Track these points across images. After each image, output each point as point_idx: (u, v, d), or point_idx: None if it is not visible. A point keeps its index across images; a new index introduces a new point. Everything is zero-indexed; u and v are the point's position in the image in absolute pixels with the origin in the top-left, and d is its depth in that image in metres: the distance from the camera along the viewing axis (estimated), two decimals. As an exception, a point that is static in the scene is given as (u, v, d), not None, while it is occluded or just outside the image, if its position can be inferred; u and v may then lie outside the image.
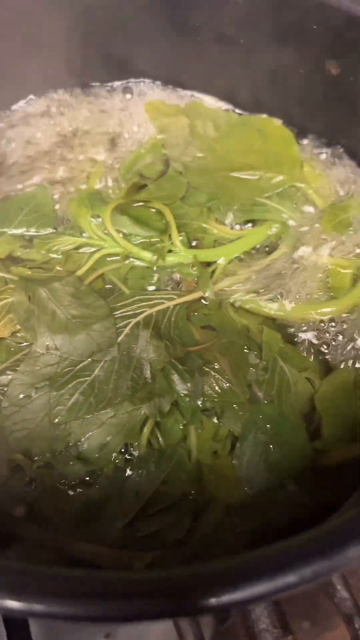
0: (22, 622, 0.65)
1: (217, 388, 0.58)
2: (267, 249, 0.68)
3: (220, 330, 0.62)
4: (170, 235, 0.66)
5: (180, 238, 0.66)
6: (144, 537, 0.52)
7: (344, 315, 0.63)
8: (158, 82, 0.81)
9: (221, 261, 0.66)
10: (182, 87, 0.81)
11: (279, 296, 0.64)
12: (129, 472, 0.54)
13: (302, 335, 0.63)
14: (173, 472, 0.54)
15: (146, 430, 0.56)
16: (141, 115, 0.77)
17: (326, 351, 0.63)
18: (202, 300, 0.65)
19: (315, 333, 0.63)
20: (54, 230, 0.68)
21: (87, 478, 0.54)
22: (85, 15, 0.73)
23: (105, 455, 0.55)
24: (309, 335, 0.63)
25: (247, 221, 0.70)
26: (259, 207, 0.69)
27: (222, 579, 0.31)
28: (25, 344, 0.60)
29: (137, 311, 0.61)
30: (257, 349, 0.61)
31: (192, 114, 0.75)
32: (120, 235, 0.66)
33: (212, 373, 0.59)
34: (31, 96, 0.80)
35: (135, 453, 0.55)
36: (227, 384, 0.58)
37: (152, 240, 0.66)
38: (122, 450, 0.55)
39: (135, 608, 0.31)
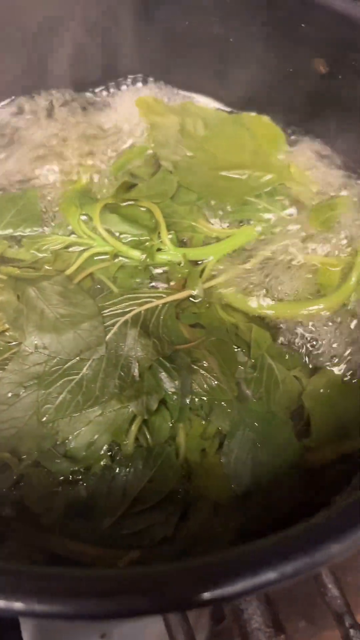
0: (12, 622, 0.65)
1: (205, 386, 0.58)
2: (256, 247, 0.68)
3: (209, 329, 0.63)
4: (159, 234, 0.66)
5: (170, 237, 0.66)
6: (131, 534, 0.52)
7: (333, 312, 0.63)
8: (149, 81, 0.81)
9: (210, 260, 0.66)
10: (172, 86, 0.81)
11: (267, 294, 0.64)
12: (116, 470, 0.54)
13: (291, 333, 0.63)
14: (161, 470, 0.54)
15: (134, 428, 0.56)
16: (132, 114, 0.77)
17: (315, 349, 0.63)
18: (191, 299, 0.65)
19: (304, 331, 0.63)
20: (42, 230, 0.68)
21: (74, 476, 0.54)
22: (77, 15, 0.73)
23: (93, 453, 0.55)
24: (297, 333, 0.63)
25: (237, 220, 0.70)
26: (248, 206, 0.69)
27: (202, 577, 0.31)
28: (14, 343, 0.60)
29: (125, 310, 0.61)
30: (245, 347, 0.61)
31: (182, 112, 0.76)
32: (110, 234, 0.66)
33: (201, 371, 0.59)
34: (21, 96, 0.80)
35: (123, 451, 0.55)
36: (216, 382, 0.58)
37: (141, 239, 0.66)
38: (110, 448, 0.55)
39: (112, 605, 0.31)
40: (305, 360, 0.62)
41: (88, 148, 0.73)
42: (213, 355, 0.60)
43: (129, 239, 0.67)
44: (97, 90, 0.81)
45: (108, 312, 0.61)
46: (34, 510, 0.53)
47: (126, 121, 0.76)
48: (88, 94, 0.81)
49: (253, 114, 0.76)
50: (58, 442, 0.55)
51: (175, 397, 0.57)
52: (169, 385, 0.57)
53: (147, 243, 0.66)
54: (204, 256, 0.67)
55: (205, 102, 0.80)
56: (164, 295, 0.63)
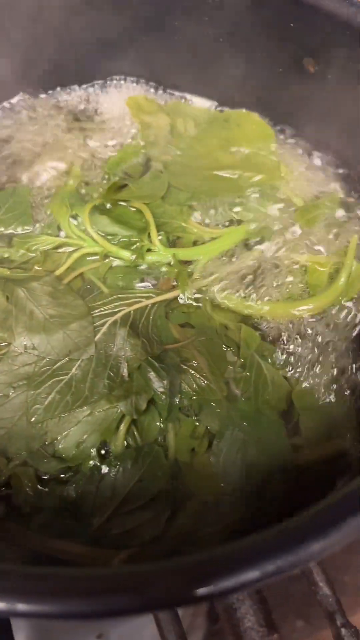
0: (2, 623, 0.65)
1: (194, 385, 0.59)
2: (245, 247, 0.68)
3: (199, 328, 0.63)
4: (149, 235, 0.66)
5: (160, 237, 0.67)
6: (121, 534, 0.52)
7: (322, 312, 0.63)
8: (140, 81, 0.81)
9: (200, 260, 0.66)
10: (163, 86, 0.81)
11: (257, 294, 0.64)
12: (105, 469, 0.54)
13: (280, 333, 0.63)
14: (150, 469, 0.54)
15: (123, 428, 0.56)
16: (123, 114, 0.77)
17: (304, 348, 0.63)
18: (181, 299, 0.65)
19: (294, 330, 0.63)
20: (32, 229, 0.68)
21: (63, 476, 0.55)
22: (67, 15, 0.73)
23: (82, 453, 0.55)
24: (287, 333, 0.63)
25: (227, 220, 0.70)
26: (238, 206, 0.69)
27: (184, 576, 0.31)
28: (3, 344, 0.60)
29: (115, 310, 0.61)
30: (235, 346, 0.61)
31: (173, 112, 0.76)
32: (100, 234, 0.66)
33: (190, 371, 0.59)
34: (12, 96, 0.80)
35: (112, 451, 0.55)
36: (205, 382, 0.59)
37: (131, 239, 0.67)
38: (99, 448, 0.56)
39: (97, 605, 0.31)
40: (295, 359, 0.62)
41: (78, 148, 0.73)
42: (202, 355, 0.60)
43: (119, 240, 0.67)
44: (88, 90, 0.81)
45: (98, 312, 0.61)
46: (23, 510, 0.53)
47: (117, 121, 0.76)
48: (79, 94, 0.81)
49: (244, 111, 0.76)
50: (47, 442, 0.55)
51: (164, 396, 0.57)
52: (158, 385, 0.57)
53: (137, 244, 0.66)
54: (194, 256, 0.67)
55: (196, 102, 0.80)
56: (153, 295, 0.63)
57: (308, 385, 0.60)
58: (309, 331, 0.63)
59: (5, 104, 0.79)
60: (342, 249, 0.65)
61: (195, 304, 0.64)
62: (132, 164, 0.73)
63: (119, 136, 0.76)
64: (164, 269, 0.66)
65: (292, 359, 0.62)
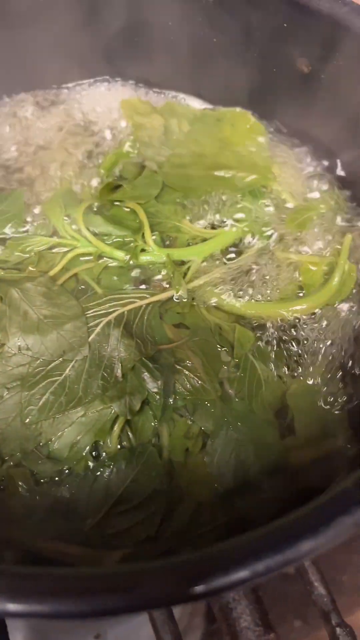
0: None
1: (188, 386, 0.59)
2: (239, 248, 0.68)
3: (193, 329, 0.63)
4: (143, 235, 0.67)
5: (154, 237, 0.67)
6: (115, 534, 0.52)
7: (316, 312, 0.64)
8: (133, 82, 0.81)
9: (194, 260, 0.66)
10: (156, 87, 0.81)
11: (251, 294, 0.64)
12: (98, 470, 0.54)
13: (274, 333, 0.63)
14: (144, 469, 0.54)
15: (117, 428, 0.56)
16: (116, 115, 0.78)
17: (298, 348, 0.63)
18: (175, 299, 0.65)
19: (287, 330, 0.63)
20: (26, 230, 0.68)
21: (57, 477, 0.55)
22: (59, 16, 0.73)
23: (76, 454, 0.55)
24: (281, 333, 0.63)
25: (221, 220, 0.70)
26: (233, 206, 0.69)
27: (173, 576, 0.31)
28: (-3, 344, 0.60)
29: (109, 310, 0.61)
30: (229, 346, 0.62)
31: (166, 113, 0.76)
32: (94, 234, 0.66)
33: (184, 371, 0.60)
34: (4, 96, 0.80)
35: (106, 451, 0.56)
36: (199, 382, 0.59)
37: (125, 239, 0.67)
38: (93, 448, 0.56)
39: (87, 604, 0.31)
40: (289, 360, 0.62)
41: (71, 150, 0.73)
42: (197, 355, 0.60)
43: (113, 240, 0.67)
44: (80, 89, 0.81)
45: (91, 312, 0.61)
46: (16, 511, 0.53)
47: (110, 122, 0.76)
48: (72, 96, 0.81)
49: (238, 110, 0.76)
50: (41, 444, 0.55)
51: (158, 397, 0.57)
52: (152, 386, 0.57)
53: (131, 244, 0.66)
54: (188, 256, 0.67)
55: (189, 102, 0.81)
56: (147, 296, 0.63)
57: (302, 385, 0.60)
58: (303, 331, 0.63)
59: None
60: (335, 249, 0.66)
61: (189, 304, 0.64)
62: (126, 164, 0.73)
63: (113, 137, 0.76)
64: (157, 269, 0.66)
65: (286, 359, 0.62)
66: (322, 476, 0.55)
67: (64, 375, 0.57)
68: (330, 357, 0.62)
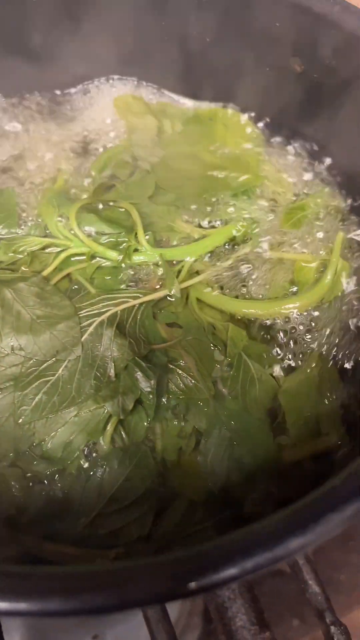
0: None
1: (182, 385, 0.59)
2: (232, 247, 0.68)
3: (186, 328, 0.63)
4: (136, 234, 0.67)
5: (147, 237, 0.67)
6: (108, 534, 0.52)
7: (309, 310, 0.64)
8: (127, 81, 0.81)
9: (187, 259, 0.67)
10: (150, 85, 0.81)
11: (244, 293, 0.64)
12: (91, 470, 0.54)
13: (268, 331, 0.63)
14: (136, 469, 0.54)
15: (110, 428, 0.56)
16: (110, 115, 0.78)
17: (291, 346, 0.63)
18: (169, 298, 0.65)
19: (281, 329, 0.63)
20: (19, 231, 0.68)
21: (50, 477, 0.54)
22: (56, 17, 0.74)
23: (69, 453, 0.55)
24: (274, 331, 0.63)
25: (214, 220, 0.70)
26: (225, 206, 0.69)
27: (161, 575, 0.31)
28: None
29: (102, 310, 0.61)
30: (222, 345, 0.62)
31: (160, 114, 0.76)
32: (87, 235, 0.66)
33: (178, 370, 0.60)
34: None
35: (99, 451, 0.56)
36: (192, 381, 0.59)
37: (118, 239, 0.67)
38: (86, 448, 0.56)
39: (76, 603, 0.31)
40: (282, 358, 0.62)
41: (65, 149, 0.73)
42: (190, 354, 0.60)
43: (106, 240, 0.67)
44: (73, 90, 0.81)
45: (84, 312, 0.61)
46: (9, 511, 0.53)
47: (104, 122, 0.76)
48: (66, 96, 0.81)
49: (231, 110, 0.76)
50: (35, 444, 0.55)
51: (151, 396, 0.57)
52: (145, 385, 0.57)
53: (124, 244, 0.66)
54: (181, 256, 0.67)
55: (182, 101, 0.81)
56: (140, 295, 0.63)
57: (295, 383, 0.60)
58: (296, 329, 0.63)
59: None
60: (327, 247, 0.66)
61: (182, 303, 0.64)
62: (118, 164, 0.73)
63: (106, 137, 0.76)
64: (150, 269, 0.66)
65: (279, 357, 0.62)
66: (315, 474, 0.55)
67: (56, 375, 0.57)
68: (324, 355, 0.62)
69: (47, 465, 0.55)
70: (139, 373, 0.58)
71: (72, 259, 0.66)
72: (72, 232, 0.66)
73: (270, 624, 0.52)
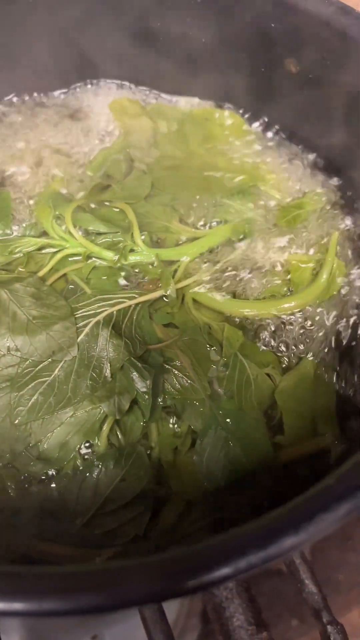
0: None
1: (178, 385, 0.59)
2: (228, 247, 0.69)
3: (183, 328, 0.63)
4: (132, 235, 0.67)
5: (143, 237, 0.67)
6: (104, 534, 0.52)
7: (305, 309, 0.64)
8: (122, 83, 0.81)
9: (184, 260, 0.67)
10: (145, 87, 0.81)
11: (240, 293, 0.64)
12: (87, 470, 0.54)
13: (263, 332, 0.64)
14: (132, 469, 0.54)
15: (105, 428, 0.56)
16: (105, 115, 0.78)
17: (287, 346, 0.63)
18: (165, 299, 0.65)
19: (276, 329, 0.64)
20: (15, 232, 0.68)
21: (46, 477, 0.55)
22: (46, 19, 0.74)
23: (65, 454, 0.55)
24: (270, 331, 0.63)
25: (210, 220, 0.70)
26: (221, 206, 0.69)
27: (152, 574, 0.32)
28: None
29: (97, 311, 0.61)
30: (218, 346, 0.62)
31: (155, 115, 0.76)
32: (83, 235, 0.67)
33: (174, 370, 0.60)
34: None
35: (95, 451, 0.56)
36: (188, 381, 0.59)
37: (114, 239, 0.67)
38: (82, 448, 0.56)
39: (68, 603, 0.31)
40: (278, 358, 0.62)
41: (60, 151, 0.74)
42: (186, 354, 0.61)
43: (102, 240, 0.67)
44: (68, 91, 0.82)
45: (80, 313, 0.61)
46: (5, 511, 0.53)
47: (99, 122, 0.77)
48: (61, 97, 0.81)
49: (226, 111, 0.76)
50: (31, 444, 0.56)
51: (147, 396, 0.57)
52: (141, 385, 0.57)
53: (120, 244, 0.66)
54: (177, 256, 0.67)
55: (178, 102, 0.81)
56: (136, 296, 0.63)
57: (291, 383, 0.60)
58: (292, 329, 0.63)
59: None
60: (323, 247, 0.66)
61: (178, 303, 0.64)
62: (114, 165, 0.73)
63: (102, 138, 0.76)
64: (147, 269, 0.66)
65: (275, 357, 0.62)
66: (311, 474, 0.55)
67: (52, 375, 0.57)
68: (320, 355, 0.62)
69: (44, 466, 0.55)
70: (135, 373, 0.58)
71: (69, 259, 0.67)
72: (68, 232, 0.66)
73: (268, 624, 0.52)
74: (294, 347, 0.63)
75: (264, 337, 0.63)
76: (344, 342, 0.63)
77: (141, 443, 0.57)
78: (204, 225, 0.70)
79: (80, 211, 0.67)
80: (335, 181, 0.73)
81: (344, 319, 0.64)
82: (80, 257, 0.66)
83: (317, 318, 0.63)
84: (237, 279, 0.66)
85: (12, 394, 0.56)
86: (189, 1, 0.71)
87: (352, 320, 0.64)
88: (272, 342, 0.63)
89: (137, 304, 0.63)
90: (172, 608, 0.82)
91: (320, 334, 0.63)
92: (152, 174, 0.72)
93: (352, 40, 0.61)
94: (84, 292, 0.64)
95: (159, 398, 0.58)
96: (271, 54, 0.71)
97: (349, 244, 0.68)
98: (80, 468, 0.54)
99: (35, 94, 0.80)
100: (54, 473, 0.55)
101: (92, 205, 0.69)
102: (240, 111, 0.77)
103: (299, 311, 0.63)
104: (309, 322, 0.64)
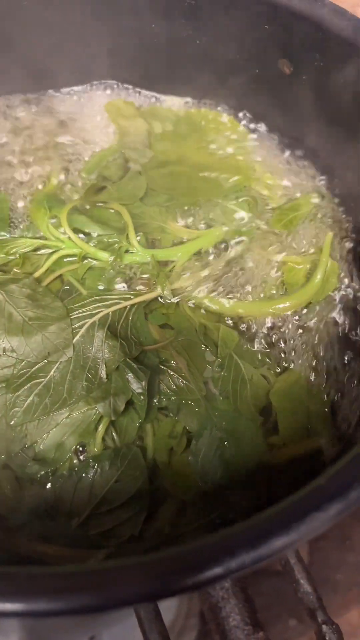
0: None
1: (173, 386, 0.59)
2: (223, 248, 0.69)
3: (178, 329, 0.63)
4: (128, 235, 0.67)
5: (138, 238, 0.67)
6: (99, 534, 0.52)
7: (299, 310, 0.64)
8: (116, 84, 0.81)
9: (179, 260, 0.67)
10: (139, 88, 0.82)
11: (235, 294, 0.65)
12: (83, 471, 0.54)
13: (258, 332, 0.64)
14: (127, 469, 0.54)
15: (101, 429, 0.56)
16: (101, 118, 0.78)
17: (282, 347, 0.63)
18: (160, 299, 0.65)
19: (271, 329, 0.64)
20: (11, 233, 0.68)
21: (42, 478, 0.55)
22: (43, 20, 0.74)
23: (61, 455, 0.55)
24: (264, 332, 0.64)
25: (205, 221, 0.70)
26: (217, 207, 0.70)
27: (143, 575, 0.32)
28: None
29: (93, 312, 0.61)
30: (213, 346, 0.62)
31: (150, 116, 0.76)
32: (79, 236, 0.67)
33: (169, 371, 0.60)
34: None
35: (90, 452, 0.56)
36: (184, 382, 0.59)
37: (109, 240, 0.67)
38: (77, 449, 0.56)
39: (60, 603, 0.31)
40: (273, 359, 0.62)
41: (56, 152, 0.74)
42: (181, 355, 0.61)
43: (98, 241, 0.67)
44: (64, 93, 0.82)
45: (76, 314, 0.61)
46: (0, 512, 0.53)
47: (94, 123, 0.77)
48: (56, 99, 0.81)
49: (221, 112, 0.77)
50: (27, 445, 0.56)
51: (142, 397, 0.57)
52: (136, 386, 0.57)
53: (116, 245, 0.66)
54: (173, 257, 0.67)
55: (172, 103, 0.81)
56: (132, 297, 0.63)
57: (286, 384, 0.60)
58: (287, 329, 0.63)
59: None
60: (317, 247, 0.66)
61: (174, 304, 0.64)
62: (109, 166, 0.73)
63: (97, 140, 0.76)
64: (142, 269, 0.66)
65: (270, 357, 0.62)
66: (305, 474, 0.55)
67: (48, 376, 0.57)
68: (314, 355, 0.62)
69: (40, 467, 0.55)
70: (130, 374, 0.58)
71: (64, 260, 0.67)
72: (64, 233, 0.67)
73: (264, 624, 0.52)
74: (288, 348, 0.63)
75: (259, 337, 0.63)
76: (338, 342, 0.63)
77: (136, 444, 0.57)
78: (200, 226, 0.70)
79: (76, 212, 0.67)
80: (329, 182, 0.73)
81: (339, 319, 0.64)
82: (75, 258, 0.67)
83: (311, 318, 0.64)
84: (232, 279, 0.66)
85: (7, 395, 0.57)
86: (183, 2, 0.71)
87: (347, 320, 0.64)
88: (267, 343, 0.63)
89: (132, 305, 0.63)
90: (171, 608, 0.82)
91: (315, 334, 0.63)
92: (147, 175, 0.72)
93: (345, 41, 0.61)
94: (79, 293, 0.64)
95: (154, 399, 0.58)
96: (265, 55, 0.71)
97: (343, 245, 0.68)
98: (76, 469, 0.55)
99: (30, 96, 0.81)
100: (50, 474, 0.55)
101: (88, 207, 0.69)
102: (235, 112, 0.77)
103: (294, 312, 0.64)
104: (304, 323, 0.64)
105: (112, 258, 0.65)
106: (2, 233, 0.68)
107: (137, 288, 0.65)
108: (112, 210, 0.69)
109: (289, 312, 0.63)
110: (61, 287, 0.65)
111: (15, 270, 0.65)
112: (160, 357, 0.60)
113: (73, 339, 0.59)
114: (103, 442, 0.56)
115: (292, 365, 0.62)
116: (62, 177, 0.73)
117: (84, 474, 0.54)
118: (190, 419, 0.58)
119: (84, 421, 0.56)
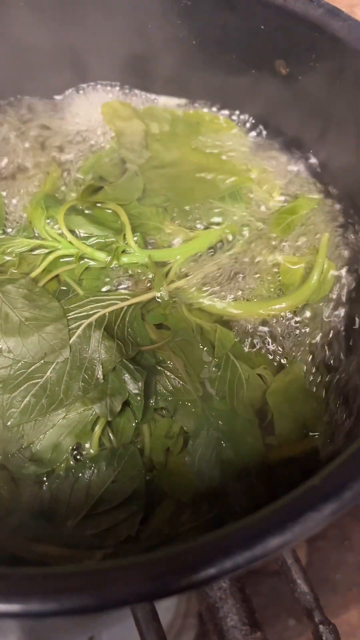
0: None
1: (170, 386, 0.59)
2: (220, 249, 0.69)
3: (175, 329, 0.63)
4: (125, 236, 0.67)
5: (135, 238, 0.67)
6: (96, 535, 0.52)
7: (295, 311, 0.64)
8: (113, 85, 0.82)
9: (175, 261, 0.67)
10: (136, 89, 0.82)
11: (231, 295, 0.65)
12: (79, 471, 0.54)
13: (255, 333, 0.64)
14: (124, 470, 0.54)
15: (97, 429, 0.56)
16: (97, 120, 0.78)
17: (278, 347, 0.63)
18: (157, 300, 0.65)
19: (267, 330, 0.64)
20: (7, 234, 0.69)
21: (38, 478, 0.55)
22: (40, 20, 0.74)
23: (58, 455, 0.55)
24: (261, 332, 0.64)
25: (202, 222, 0.70)
26: (213, 208, 0.70)
27: (137, 575, 0.32)
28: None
29: (90, 312, 0.61)
30: (210, 347, 0.62)
31: (147, 117, 0.76)
32: (75, 235, 0.67)
33: (166, 372, 0.60)
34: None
35: (87, 453, 0.56)
36: (180, 383, 0.59)
37: (107, 240, 0.67)
38: (74, 450, 0.56)
39: (55, 604, 0.31)
40: (269, 359, 0.63)
41: (54, 151, 0.74)
42: (178, 355, 0.61)
43: (95, 241, 0.67)
44: (62, 93, 0.82)
45: (73, 314, 0.61)
46: (-3, 513, 0.53)
47: (90, 125, 0.77)
48: (51, 99, 0.81)
49: (218, 113, 0.77)
50: (24, 446, 0.56)
51: (139, 398, 0.57)
52: (133, 387, 0.57)
53: (113, 245, 0.66)
54: (170, 258, 0.67)
55: (169, 104, 0.81)
56: (128, 297, 0.63)
57: (282, 384, 0.60)
58: (283, 330, 0.63)
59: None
60: (313, 248, 0.66)
61: (170, 305, 0.64)
62: (107, 166, 0.73)
63: (94, 141, 0.76)
64: (139, 270, 0.66)
65: (266, 358, 0.62)
66: (302, 474, 0.55)
67: (45, 377, 0.57)
68: (311, 355, 0.62)
69: (36, 468, 0.55)
70: (127, 375, 0.58)
71: (61, 260, 0.67)
72: (61, 233, 0.67)
73: (262, 624, 0.52)
74: (285, 348, 0.63)
75: (255, 338, 0.63)
76: (335, 342, 0.63)
77: (133, 444, 0.57)
78: (197, 226, 0.70)
79: (73, 213, 0.67)
80: (325, 183, 0.73)
81: (335, 319, 0.64)
82: (72, 258, 0.67)
83: (308, 319, 0.64)
84: (229, 280, 0.66)
85: (4, 396, 0.57)
86: (179, 3, 0.71)
87: (342, 320, 0.64)
88: (264, 343, 0.63)
89: (129, 306, 0.63)
90: (169, 608, 0.82)
91: (311, 334, 0.63)
92: (145, 175, 0.72)
93: (340, 42, 0.61)
94: (76, 293, 0.64)
95: (151, 399, 0.58)
96: (261, 56, 0.71)
97: (339, 245, 0.68)
98: (73, 469, 0.55)
99: (27, 97, 0.81)
100: (47, 474, 0.55)
101: (85, 208, 0.69)
102: (232, 113, 0.78)
103: (290, 312, 0.64)
104: (300, 323, 0.64)
105: (109, 258, 0.65)
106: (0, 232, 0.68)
107: (134, 289, 0.66)
108: (109, 211, 0.69)
109: (285, 313, 0.63)
110: (58, 288, 0.65)
111: (11, 270, 0.65)
112: (157, 358, 0.61)
113: (70, 339, 0.59)
114: (100, 442, 0.56)
115: (289, 365, 0.62)
116: (59, 177, 0.73)
117: (80, 475, 0.54)
118: (187, 419, 0.58)
119: (80, 422, 0.56)
